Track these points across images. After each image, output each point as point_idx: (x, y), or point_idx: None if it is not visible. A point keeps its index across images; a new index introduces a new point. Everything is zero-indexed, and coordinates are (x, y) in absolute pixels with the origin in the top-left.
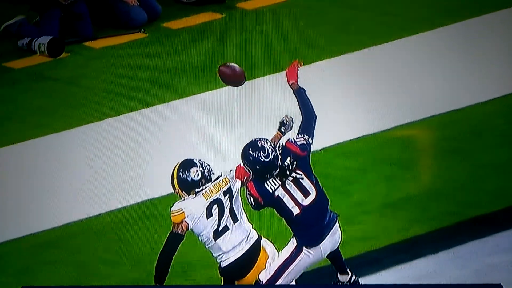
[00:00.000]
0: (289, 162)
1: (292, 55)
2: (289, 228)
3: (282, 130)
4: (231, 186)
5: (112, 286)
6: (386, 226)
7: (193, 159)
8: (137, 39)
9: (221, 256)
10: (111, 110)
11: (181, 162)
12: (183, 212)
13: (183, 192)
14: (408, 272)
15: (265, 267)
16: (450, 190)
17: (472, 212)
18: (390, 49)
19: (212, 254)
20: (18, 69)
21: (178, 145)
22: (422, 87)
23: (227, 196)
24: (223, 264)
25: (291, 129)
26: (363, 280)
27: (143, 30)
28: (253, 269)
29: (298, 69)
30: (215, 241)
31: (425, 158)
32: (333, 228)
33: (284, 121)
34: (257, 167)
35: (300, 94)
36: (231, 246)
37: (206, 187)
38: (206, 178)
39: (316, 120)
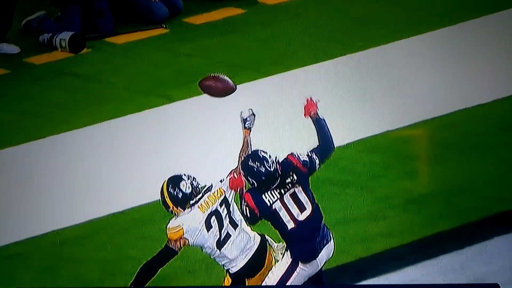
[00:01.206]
0: (288, 175)
1: (314, 50)
2: (283, 241)
3: (246, 126)
4: (226, 196)
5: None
6: (411, 222)
7: (179, 175)
8: (158, 35)
9: (228, 263)
10: (133, 106)
11: (168, 180)
12: (182, 228)
13: (178, 208)
14: (434, 268)
15: (267, 278)
16: (476, 185)
17: (498, 208)
18: (413, 44)
19: (218, 263)
20: (39, 65)
21: (201, 140)
22: (446, 82)
23: (224, 205)
24: (233, 271)
25: (253, 122)
26: (388, 277)
27: (164, 25)
28: (263, 267)
29: (316, 103)
30: (219, 250)
31: (449, 153)
32: (328, 243)
33: (244, 117)
34: (262, 178)
35: (320, 124)
36: (238, 251)
37: (200, 199)
38: (196, 189)
39: (333, 150)
